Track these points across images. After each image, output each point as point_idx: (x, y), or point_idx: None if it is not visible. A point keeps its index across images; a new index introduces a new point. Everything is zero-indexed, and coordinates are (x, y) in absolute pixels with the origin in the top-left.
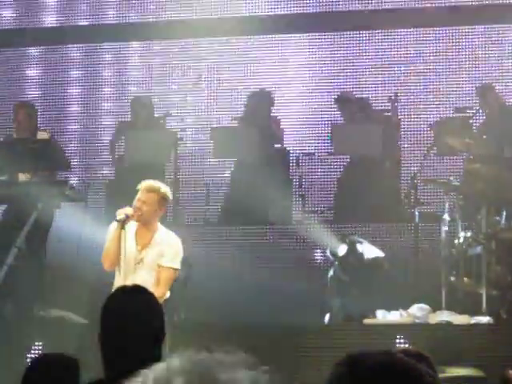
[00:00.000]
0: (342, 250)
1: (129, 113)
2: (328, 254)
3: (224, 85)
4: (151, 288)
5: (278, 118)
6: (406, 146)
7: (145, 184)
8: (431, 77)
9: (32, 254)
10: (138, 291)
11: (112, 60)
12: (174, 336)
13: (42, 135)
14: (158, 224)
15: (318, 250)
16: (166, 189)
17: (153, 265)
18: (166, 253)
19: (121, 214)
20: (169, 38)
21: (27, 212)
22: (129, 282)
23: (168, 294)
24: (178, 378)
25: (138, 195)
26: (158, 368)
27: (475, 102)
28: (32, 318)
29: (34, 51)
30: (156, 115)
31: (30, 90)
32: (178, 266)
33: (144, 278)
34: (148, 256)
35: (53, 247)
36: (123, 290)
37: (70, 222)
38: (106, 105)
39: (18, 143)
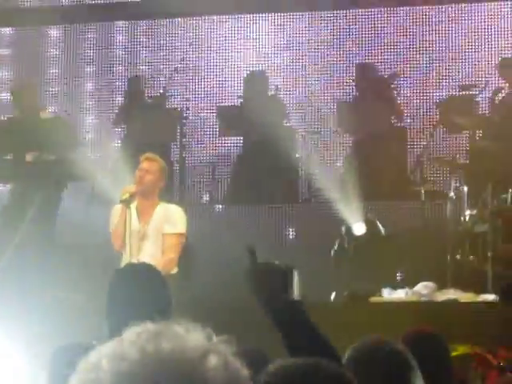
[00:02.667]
0: (360, 228)
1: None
2: (343, 231)
3: (229, 63)
4: (160, 257)
5: (284, 96)
6: (412, 124)
7: (147, 154)
8: (437, 55)
9: (40, 234)
10: (144, 267)
11: (121, 39)
12: (180, 313)
13: (47, 115)
14: (158, 199)
15: (325, 229)
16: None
17: (157, 238)
18: (167, 221)
19: (124, 193)
20: (171, 15)
21: (34, 191)
22: (135, 259)
23: (176, 270)
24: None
25: (140, 165)
26: (109, 343)
27: (480, 80)
28: (39, 298)
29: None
30: (159, 94)
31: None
32: (181, 230)
33: (151, 252)
34: (150, 230)
35: (60, 227)
36: (129, 267)
37: (77, 201)
38: (115, 83)
39: (24, 122)
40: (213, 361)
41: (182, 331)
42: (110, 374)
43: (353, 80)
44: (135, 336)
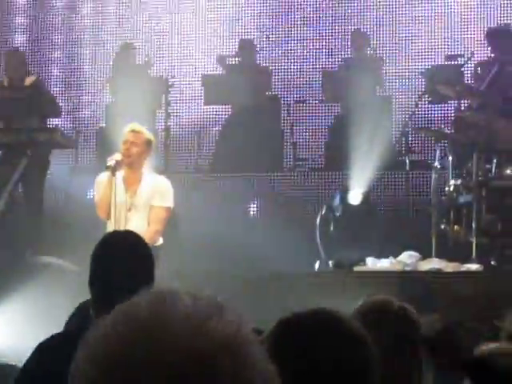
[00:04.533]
0: (356, 197)
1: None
2: (336, 201)
3: (216, 31)
4: (145, 231)
5: (268, 65)
6: (397, 93)
7: (132, 126)
8: (423, 24)
9: (26, 201)
10: (128, 235)
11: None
12: (163, 284)
13: (30, 79)
14: (144, 170)
15: (309, 198)
16: (150, 133)
17: (144, 209)
18: (155, 193)
19: (110, 160)
20: None
21: (18, 159)
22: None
23: (161, 241)
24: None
25: (126, 137)
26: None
27: (466, 50)
28: (24, 264)
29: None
30: (144, 62)
31: (15, 37)
32: (169, 204)
33: (137, 223)
34: (138, 201)
35: (45, 194)
36: (113, 234)
37: (60, 168)
38: (93, 52)
39: (8, 90)
40: (228, 316)
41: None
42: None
43: (341, 48)
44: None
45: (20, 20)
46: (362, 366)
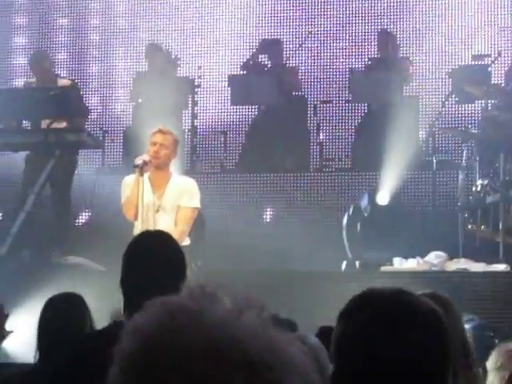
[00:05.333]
0: (384, 197)
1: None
2: (365, 201)
3: (242, 31)
4: (173, 232)
5: (295, 65)
6: (424, 93)
7: (160, 127)
8: (450, 24)
9: (54, 202)
10: (161, 235)
11: (127, 8)
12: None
13: (63, 82)
14: (171, 171)
15: (336, 198)
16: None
17: (172, 211)
18: (182, 194)
19: (138, 160)
20: None
21: (46, 159)
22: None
23: (188, 241)
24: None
25: (154, 139)
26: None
27: (493, 50)
28: (50, 264)
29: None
30: (171, 62)
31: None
32: (196, 204)
33: (165, 224)
34: (166, 202)
35: (72, 194)
36: (146, 234)
37: (88, 169)
38: (121, 53)
39: (38, 91)
40: (254, 317)
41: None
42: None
43: (368, 48)
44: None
45: (60, 21)
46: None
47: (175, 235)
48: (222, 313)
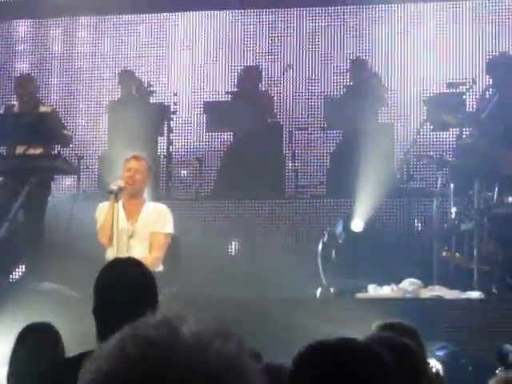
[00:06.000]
0: (358, 224)
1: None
2: (339, 228)
3: (215, 59)
4: (147, 258)
5: (271, 92)
6: (399, 121)
7: (134, 153)
8: (427, 51)
9: (28, 227)
10: (132, 263)
11: (109, 34)
12: (166, 310)
13: (44, 109)
14: (145, 197)
15: (310, 225)
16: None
17: (146, 236)
18: (155, 220)
19: (113, 185)
20: (158, 10)
21: (21, 185)
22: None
23: (161, 268)
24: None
25: (128, 165)
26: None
27: (468, 78)
28: (23, 290)
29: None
30: (147, 89)
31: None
32: (169, 230)
33: (139, 250)
34: (139, 228)
35: (47, 220)
36: (117, 261)
37: (63, 194)
38: (96, 79)
39: (14, 117)
40: (227, 343)
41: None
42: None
43: (343, 76)
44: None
45: (21, 47)
46: None
47: (149, 261)
48: (186, 342)
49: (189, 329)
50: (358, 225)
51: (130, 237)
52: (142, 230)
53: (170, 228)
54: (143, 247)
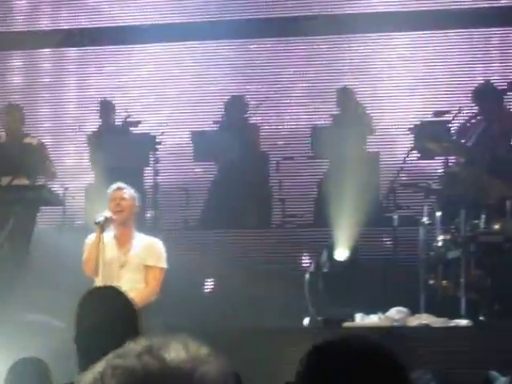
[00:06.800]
0: (342, 253)
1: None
2: (324, 257)
3: (202, 89)
4: (140, 284)
5: (256, 122)
6: (385, 149)
7: (117, 184)
8: (412, 80)
9: (13, 259)
10: (112, 292)
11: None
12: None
13: (30, 140)
14: (134, 227)
15: (297, 254)
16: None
17: (138, 266)
18: (150, 254)
19: (100, 217)
20: (145, 41)
21: (6, 216)
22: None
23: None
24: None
25: (114, 195)
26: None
27: (454, 107)
28: (9, 321)
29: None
30: (132, 119)
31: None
32: (164, 265)
33: (130, 278)
34: (132, 259)
35: (32, 251)
36: (96, 291)
37: (49, 226)
38: (82, 110)
39: (3, 146)
40: (212, 370)
41: (176, 344)
42: None
43: (329, 105)
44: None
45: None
46: None
47: (146, 294)
48: (168, 371)
49: (172, 357)
50: (341, 254)
51: (122, 266)
52: (134, 261)
53: (164, 263)
54: (134, 277)
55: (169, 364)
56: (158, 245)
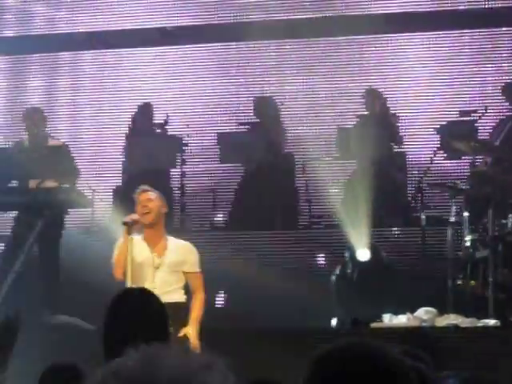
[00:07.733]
0: (364, 254)
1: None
2: (346, 257)
3: (229, 89)
4: (174, 285)
5: (282, 123)
6: (412, 150)
7: (143, 187)
8: (438, 80)
9: (42, 261)
10: (142, 293)
11: (115, 66)
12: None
13: (54, 142)
14: (164, 230)
15: (325, 255)
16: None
17: (174, 268)
18: (188, 259)
19: (127, 218)
20: (177, 43)
21: (35, 219)
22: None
23: (184, 298)
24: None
25: (140, 198)
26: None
27: (480, 106)
28: (40, 324)
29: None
30: (159, 121)
31: (33, 97)
32: (200, 269)
33: (165, 278)
34: (168, 260)
35: (61, 254)
36: (127, 292)
37: (77, 228)
38: (111, 112)
39: (29, 150)
40: (215, 375)
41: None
42: None
43: (356, 106)
44: (136, 355)
45: (34, 82)
46: None
47: (200, 302)
48: (168, 377)
49: (171, 363)
50: (362, 254)
51: (157, 268)
52: (171, 263)
53: (199, 267)
54: (170, 275)
55: (168, 372)
56: (192, 248)
